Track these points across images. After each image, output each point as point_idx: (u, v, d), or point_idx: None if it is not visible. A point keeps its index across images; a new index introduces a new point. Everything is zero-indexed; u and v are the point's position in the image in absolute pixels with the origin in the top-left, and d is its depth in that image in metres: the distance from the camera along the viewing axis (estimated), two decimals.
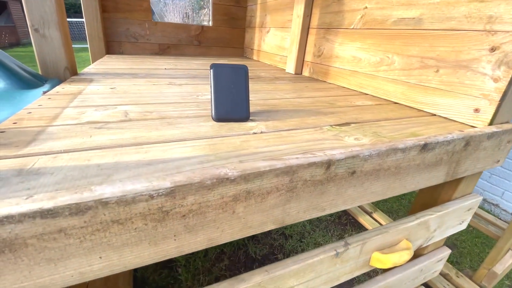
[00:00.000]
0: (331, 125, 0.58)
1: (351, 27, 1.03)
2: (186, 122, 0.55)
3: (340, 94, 0.95)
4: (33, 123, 0.49)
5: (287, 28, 1.46)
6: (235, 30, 2.04)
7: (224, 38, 2.03)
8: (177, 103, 0.69)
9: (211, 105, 0.57)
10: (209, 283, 1.24)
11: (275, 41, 1.62)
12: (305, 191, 0.39)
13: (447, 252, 0.89)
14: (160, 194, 0.29)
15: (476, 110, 0.65)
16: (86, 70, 1.09)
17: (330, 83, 1.15)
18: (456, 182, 0.71)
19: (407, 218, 0.64)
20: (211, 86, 0.57)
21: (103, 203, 0.27)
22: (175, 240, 0.33)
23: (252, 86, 0.98)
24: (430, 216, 0.66)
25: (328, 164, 0.38)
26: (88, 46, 1.60)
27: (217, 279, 1.28)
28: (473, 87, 0.66)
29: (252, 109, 0.67)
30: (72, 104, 0.62)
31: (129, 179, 0.32)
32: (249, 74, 1.10)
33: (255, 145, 0.46)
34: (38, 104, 0.61)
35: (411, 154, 0.47)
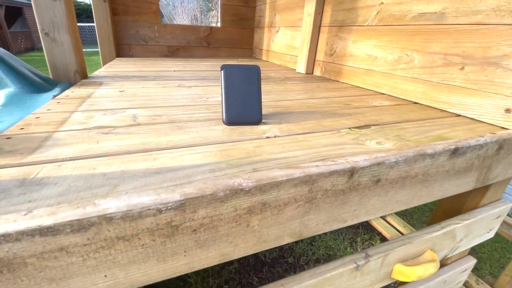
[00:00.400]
0: (349, 128, 0.55)
1: (366, 24, 0.98)
2: (196, 126, 0.53)
3: (355, 94, 0.90)
4: (40, 129, 0.47)
5: (298, 27, 1.42)
6: (244, 30, 2.02)
7: (233, 39, 2.01)
8: (186, 106, 0.67)
9: (222, 108, 0.54)
10: (219, 286, 1.23)
11: (284, 41, 1.59)
12: (325, 201, 0.36)
13: (472, 262, 0.83)
14: (169, 208, 0.27)
15: (508, 110, 0.60)
16: (96, 73, 1.09)
17: (343, 83, 1.11)
18: (485, 188, 0.66)
19: (431, 227, 0.59)
20: (221, 88, 0.55)
21: (108, 218, 0.25)
22: (185, 256, 0.31)
23: (263, 87, 0.95)
24: (457, 225, 0.61)
25: (351, 172, 0.35)
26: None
27: (226, 282, 1.26)
28: (504, 85, 0.60)
29: (263, 111, 0.64)
30: (81, 108, 0.61)
31: (135, 190, 0.29)
32: None
33: (269, 150, 0.43)
34: (46, 108, 0.60)
35: (440, 160, 0.43)
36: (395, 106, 0.76)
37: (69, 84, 0.88)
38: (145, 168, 0.35)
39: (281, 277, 1.29)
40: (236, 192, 0.29)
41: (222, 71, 0.54)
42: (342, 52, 1.12)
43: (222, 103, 0.54)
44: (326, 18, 1.19)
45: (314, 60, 1.31)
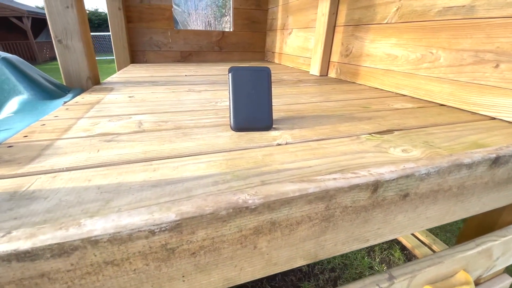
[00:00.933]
0: (369, 133, 0.50)
1: (385, 21, 0.92)
2: (203, 132, 0.50)
3: (373, 96, 0.85)
4: (43, 136, 0.46)
5: (311, 28, 1.38)
6: (256, 33, 2.00)
7: (245, 42, 2.00)
8: (194, 111, 0.64)
9: (230, 113, 0.51)
10: None
11: (297, 43, 1.54)
12: (345, 219, 0.31)
13: (508, 280, 0.74)
14: (163, 229, 0.23)
15: None
16: (108, 79, 1.09)
17: (360, 84, 1.05)
18: None
19: (464, 245, 0.53)
20: (229, 92, 0.51)
21: (93, 242, 0.22)
22: (183, 281, 0.27)
23: (274, 90, 0.91)
24: (494, 243, 0.54)
25: (375, 186, 0.30)
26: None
27: None
28: None
29: (274, 115, 0.61)
30: (88, 114, 0.60)
31: (129, 207, 0.26)
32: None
33: (280, 159, 0.39)
34: (54, 115, 0.59)
35: (478, 171, 0.37)
36: (419, 109, 0.69)
37: (81, 90, 0.88)
38: (143, 180, 0.32)
39: (295, 286, 1.23)
40: (241, 211, 0.26)
41: (229, 74, 0.51)
42: (358, 52, 1.06)
43: (230, 108, 0.51)
44: (341, 18, 1.14)
45: (329, 61, 1.26)
